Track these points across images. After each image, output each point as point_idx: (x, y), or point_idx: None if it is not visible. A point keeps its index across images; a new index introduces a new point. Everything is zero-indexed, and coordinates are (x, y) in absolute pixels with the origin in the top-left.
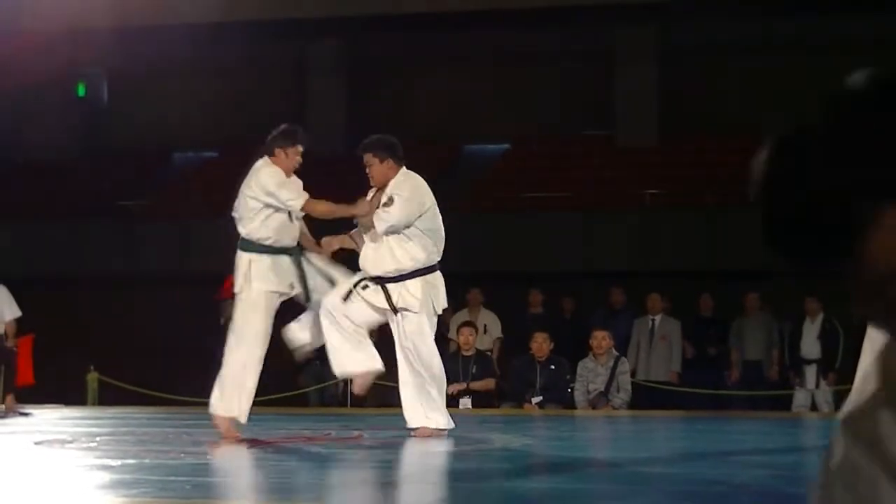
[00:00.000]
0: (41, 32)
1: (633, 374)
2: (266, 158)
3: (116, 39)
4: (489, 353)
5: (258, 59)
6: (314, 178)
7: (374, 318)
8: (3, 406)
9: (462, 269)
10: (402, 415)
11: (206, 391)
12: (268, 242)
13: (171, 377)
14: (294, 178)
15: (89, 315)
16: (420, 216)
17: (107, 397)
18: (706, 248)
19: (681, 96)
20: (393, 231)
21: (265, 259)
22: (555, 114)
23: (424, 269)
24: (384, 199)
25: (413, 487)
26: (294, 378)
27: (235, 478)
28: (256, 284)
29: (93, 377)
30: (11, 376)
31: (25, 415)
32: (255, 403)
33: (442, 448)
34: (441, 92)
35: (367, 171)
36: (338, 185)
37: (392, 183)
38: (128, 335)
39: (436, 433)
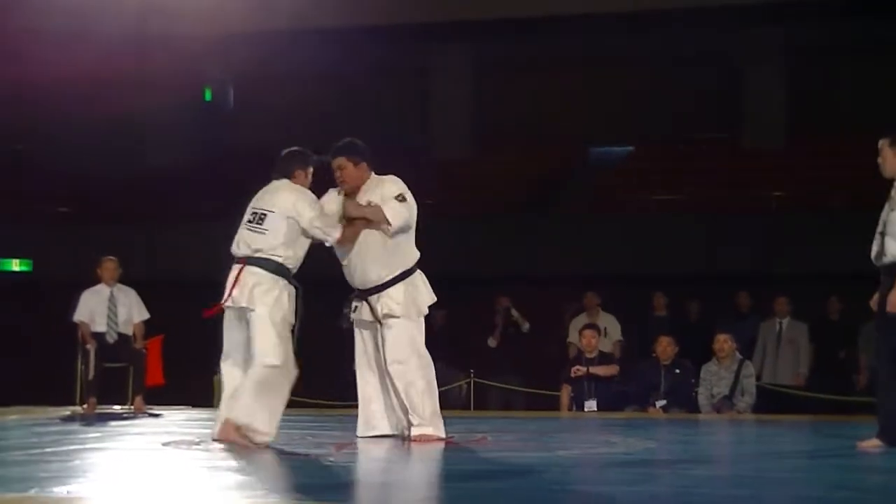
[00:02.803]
0: (169, 38)
1: (759, 378)
2: (287, 181)
3: (242, 45)
4: (611, 354)
5: (383, 64)
6: (440, 181)
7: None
8: (133, 407)
9: (584, 272)
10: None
11: (329, 393)
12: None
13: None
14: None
15: (216, 317)
16: None
17: None
18: (833, 250)
19: (808, 97)
20: (406, 229)
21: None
22: (680, 116)
23: (405, 272)
24: (389, 195)
25: (533, 489)
26: None
27: (358, 479)
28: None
29: (219, 379)
30: (140, 378)
31: (155, 416)
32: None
33: (564, 451)
34: (566, 94)
35: (337, 175)
36: (462, 188)
37: (389, 185)
38: None
39: (435, 440)
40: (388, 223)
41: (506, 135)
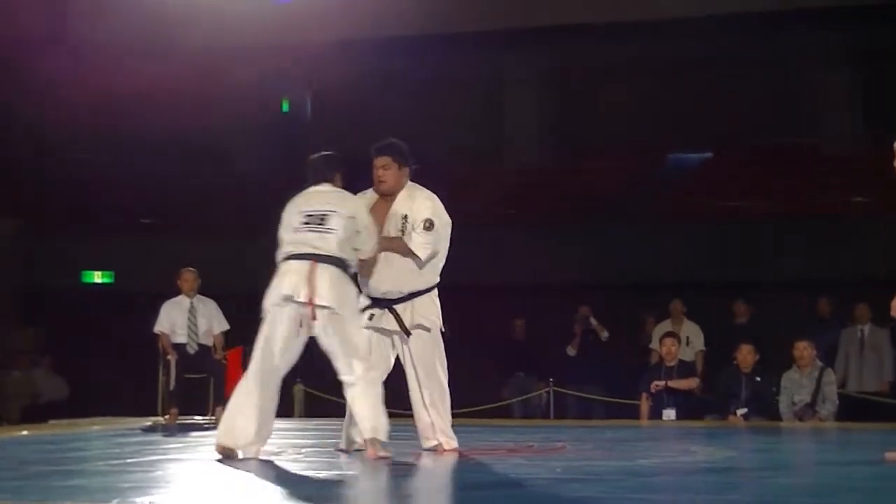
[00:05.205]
0: (246, 49)
1: (843, 386)
2: (330, 185)
3: (319, 56)
4: (692, 363)
5: (458, 72)
6: (516, 190)
7: (386, 353)
8: (213, 417)
9: (665, 279)
10: (420, 434)
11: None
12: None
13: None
14: None
15: None
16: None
17: (313, 409)
18: None
19: (886, 100)
20: (433, 257)
21: None
22: (757, 121)
23: (431, 287)
24: (419, 219)
25: (613, 498)
26: (498, 390)
27: (436, 491)
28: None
29: (298, 389)
30: (221, 388)
31: None
32: (459, 415)
33: (644, 460)
34: (642, 101)
35: (378, 173)
36: (538, 197)
37: (421, 202)
38: None
39: (454, 451)
40: (418, 257)
41: (582, 142)
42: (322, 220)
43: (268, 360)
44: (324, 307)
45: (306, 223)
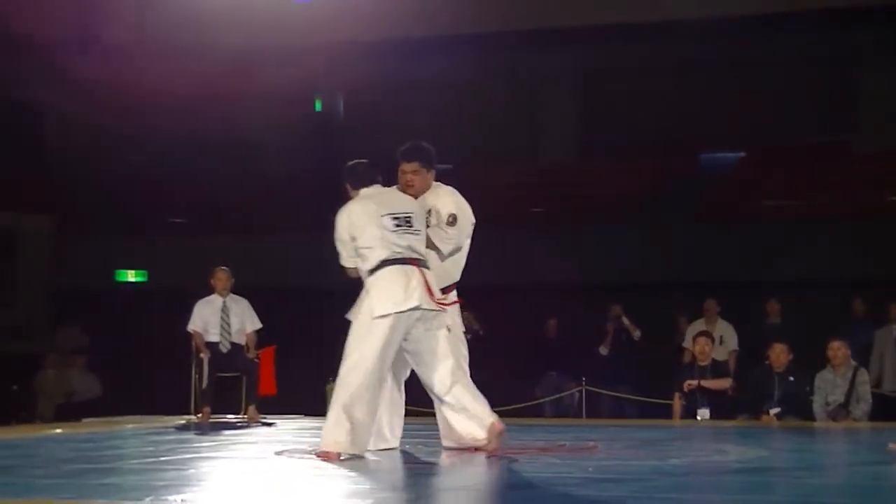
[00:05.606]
0: (279, 49)
1: (877, 385)
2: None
3: (351, 55)
4: (725, 363)
5: (490, 72)
6: (548, 189)
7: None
8: (246, 416)
9: (698, 279)
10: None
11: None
12: None
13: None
14: None
15: (329, 326)
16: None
17: None
18: None
19: None
20: (455, 252)
21: None
22: (791, 120)
23: (453, 284)
24: (444, 214)
25: (645, 498)
26: (530, 389)
27: (467, 490)
28: None
29: (331, 387)
30: (253, 387)
31: (268, 425)
32: None
33: (676, 459)
34: (675, 100)
35: (407, 178)
36: (570, 196)
37: (444, 199)
38: None
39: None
40: (440, 251)
41: (615, 142)
42: (408, 221)
43: (380, 366)
44: (438, 311)
45: (398, 225)
